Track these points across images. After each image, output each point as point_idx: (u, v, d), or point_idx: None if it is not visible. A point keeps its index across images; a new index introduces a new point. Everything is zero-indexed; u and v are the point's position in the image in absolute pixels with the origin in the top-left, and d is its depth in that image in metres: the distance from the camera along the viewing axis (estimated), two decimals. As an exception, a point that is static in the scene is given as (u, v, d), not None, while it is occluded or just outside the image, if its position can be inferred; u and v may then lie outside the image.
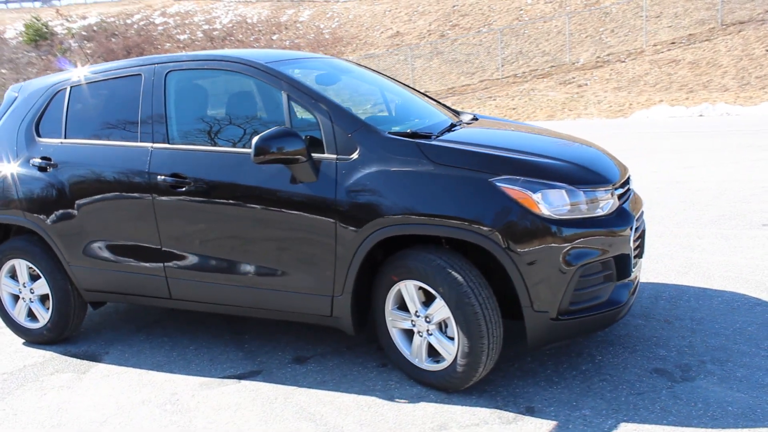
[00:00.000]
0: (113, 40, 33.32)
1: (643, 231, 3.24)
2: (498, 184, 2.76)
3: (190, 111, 3.44)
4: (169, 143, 3.35)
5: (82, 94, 3.68)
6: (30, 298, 3.82)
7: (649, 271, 4.36)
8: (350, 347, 3.55)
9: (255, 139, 2.90)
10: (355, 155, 2.98)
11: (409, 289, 2.96)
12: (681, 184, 6.99)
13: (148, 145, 3.38)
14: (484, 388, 3.01)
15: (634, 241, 3.07)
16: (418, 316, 2.97)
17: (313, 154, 3.02)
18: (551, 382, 3.02)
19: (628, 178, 3.30)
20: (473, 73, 23.90)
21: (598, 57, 20.90)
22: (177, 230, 3.33)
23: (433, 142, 2.97)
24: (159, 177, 3.29)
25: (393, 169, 2.90)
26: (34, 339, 3.89)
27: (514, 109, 18.99)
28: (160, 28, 34.19)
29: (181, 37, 33.48)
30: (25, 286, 3.81)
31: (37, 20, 33.03)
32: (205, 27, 33.68)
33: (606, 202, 2.91)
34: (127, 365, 3.56)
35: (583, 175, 2.92)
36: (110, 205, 3.47)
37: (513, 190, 2.74)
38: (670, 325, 3.54)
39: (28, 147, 3.72)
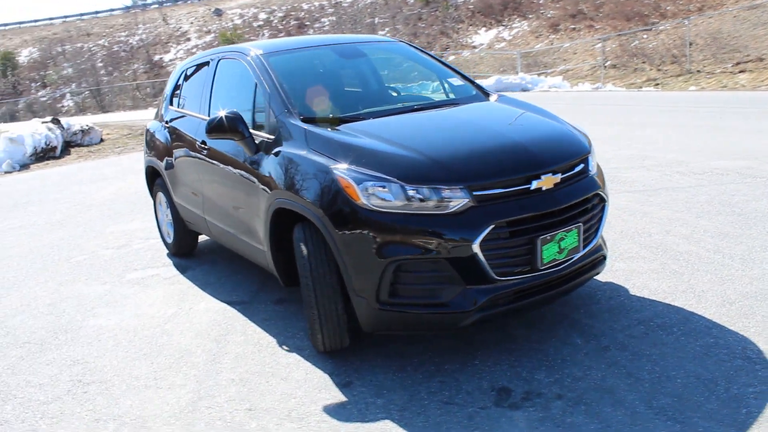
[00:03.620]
0: (494, -7, 35.59)
1: (538, 236, 2.87)
2: (335, 172, 2.96)
3: (220, 91, 4.35)
4: (209, 116, 4.34)
5: (190, 74, 4.94)
6: (167, 222, 5.38)
7: (690, 294, 3.57)
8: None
9: (208, 119, 3.66)
10: (274, 136, 3.49)
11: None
12: None
13: (202, 116, 4.44)
14: (349, 357, 3.25)
15: (524, 245, 2.85)
16: (305, 280, 3.39)
17: (254, 132, 3.63)
18: (401, 369, 3.09)
19: (533, 175, 2.92)
20: None
21: None
22: (205, 183, 4.35)
23: (314, 129, 3.27)
24: (198, 142, 4.34)
25: (288, 150, 3.33)
26: (170, 251, 5.48)
27: None
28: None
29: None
30: (165, 212, 5.39)
31: None
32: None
33: (457, 203, 2.80)
34: (190, 279, 4.80)
35: (432, 171, 2.86)
36: (184, 159, 4.67)
37: (342, 178, 2.92)
38: (604, 352, 3.06)
39: (165, 112, 5.19)
